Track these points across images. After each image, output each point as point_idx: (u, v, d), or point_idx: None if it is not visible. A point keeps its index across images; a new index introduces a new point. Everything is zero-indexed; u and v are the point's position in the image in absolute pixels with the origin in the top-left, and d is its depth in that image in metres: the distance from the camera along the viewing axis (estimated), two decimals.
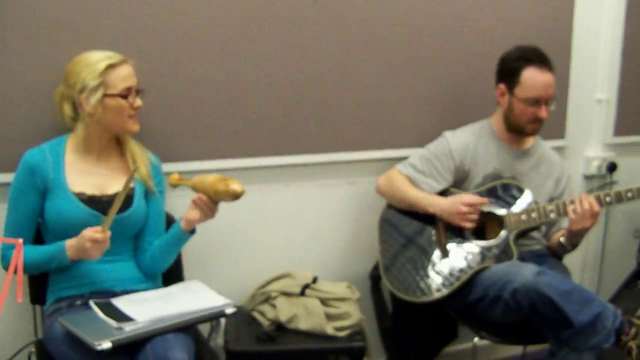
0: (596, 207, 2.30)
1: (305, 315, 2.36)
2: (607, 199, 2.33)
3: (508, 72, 2.49)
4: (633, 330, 2.17)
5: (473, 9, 2.81)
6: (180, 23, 2.36)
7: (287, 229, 2.70)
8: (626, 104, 3.26)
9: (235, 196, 1.97)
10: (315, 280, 2.50)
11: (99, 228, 1.87)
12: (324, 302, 2.41)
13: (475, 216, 2.41)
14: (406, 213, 2.56)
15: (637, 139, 3.37)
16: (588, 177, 3.27)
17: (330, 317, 2.37)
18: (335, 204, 2.77)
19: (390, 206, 2.61)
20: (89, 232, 1.87)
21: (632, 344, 2.15)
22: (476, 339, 2.49)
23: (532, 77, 2.43)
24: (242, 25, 2.45)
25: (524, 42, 2.59)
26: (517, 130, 2.52)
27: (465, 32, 2.81)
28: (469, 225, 2.41)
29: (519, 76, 2.44)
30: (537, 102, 2.43)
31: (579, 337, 2.13)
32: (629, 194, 2.32)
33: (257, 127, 2.54)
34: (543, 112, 2.44)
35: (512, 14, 2.88)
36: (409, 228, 2.54)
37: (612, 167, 3.25)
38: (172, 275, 2.28)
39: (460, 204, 2.39)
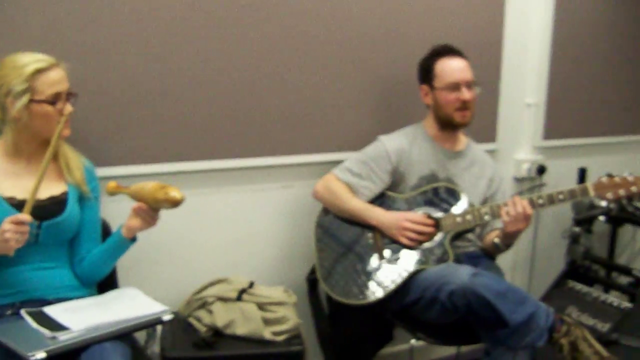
0: (529, 209, 2.43)
1: (243, 321, 2.41)
2: (540, 201, 2.47)
3: (424, 71, 2.68)
4: (564, 328, 2.30)
5: (407, 15, 2.92)
6: (111, 25, 2.38)
7: (222, 233, 2.74)
8: (554, 109, 3.45)
9: (175, 204, 2.00)
10: (251, 285, 2.56)
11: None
12: (261, 306, 2.47)
13: (414, 235, 2.51)
14: (341, 219, 2.64)
15: (565, 143, 3.56)
16: (518, 180, 3.44)
17: (267, 322, 2.43)
18: (270, 208, 2.83)
19: (326, 209, 2.68)
20: (9, 218, 1.85)
21: (564, 341, 2.28)
22: (413, 341, 2.59)
23: (445, 65, 2.62)
24: (174, 27, 2.48)
25: (461, 49, 2.73)
26: (448, 124, 2.66)
27: (398, 38, 2.92)
28: (407, 242, 2.52)
29: (433, 69, 2.63)
30: (456, 86, 2.60)
31: (514, 336, 2.25)
32: (560, 196, 2.47)
33: (192, 130, 2.58)
34: (465, 94, 2.60)
35: (445, 21, 3.02)
36: (346, 231, 2.61)
37: (541, 170, 3.43)
38: (106, 282, 2.29)
39: (403, 220, 2.51)
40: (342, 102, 2.86)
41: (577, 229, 3.40)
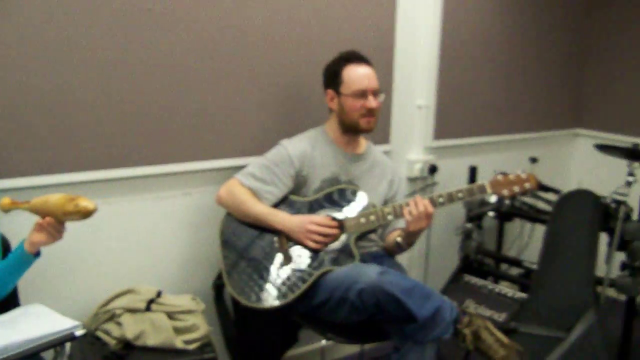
0: (430, 208, 2.55)
1: (153, 331, 2.41)
2: (440, 200, 2.59)
3: (331, 76, 2.74)
4: (466, 319, 2.44)
5: (305, 21, 3.00)
6: (8, 27, 2.33)
7: (125, 243, 2.73)
8: (443, 110, 3.63)
9: (87, 214, 1.98)
10: (159, 294, 2.56)
11: None
12: (170, 316, 2.47)
13: (320, 238, 2.58)
14: (246, 225, 2.68)
15: (454, 142, 3.76)
16: (412, 179, 3.59)
17: (178, 331, 2.44)
18: (172, 216, 2.83)
19: (230, 214, 2.70)
20: None
21: (467, 331, 2.42)
22: (323, 341, 2.67)
23: (353, 72, 2.69)
24: (72, 32, 2.45)
25: None
26: (353, 129, 2.75)
27: (297, 44, 3.00)
28: (313, 245, 2.58)
29: (341, 76, 2.70)
30: (363, 94, 2.67)
31: (422, 330, 2.36)
32: (460, 194, 2.60)
33: (89, 139, 2.55)
34: (372, 102, 2.69)
35: (339, 26, 3.12)
36: (251, 235, 2.65)
37: (433, 169, 3.60)
38: (7, 300, 2.22)
39: (309, 223, 2.57)
40: (241, 107, 2.90)
41: (469, 225, 3.59)
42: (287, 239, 2.61)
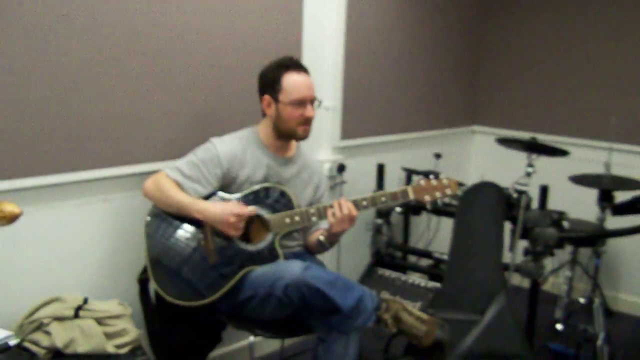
0: (354, 211, 2.67)
1: (83, 338, 2.44)
2: (364, 203, 2.71)
3: (269, 82, 2.76)
4: (384, 305, 2.59)
5: (213, 26, 3.06)
6: None
7: (47, 252, 2.72)
8: (350, 111, 3.80)
9: (13, 219, 1.98)
10: (86, 301, 2.59)
11: None
12: (99, 321, 2.51)
13: (242, 225, 2.64)
14: (172, 218, 2.70)
15: (361, 142, 3.94)
16: None
17: (108, 336, 2.48)
18: (93, 223, 2.84)
19: (155, 213, 2.72)
20: None
21: (387, 316, 2.58)
22: (251, 337, 2.76)
23: (293, 81, 2.73)
24: None
25: (261, 56, 2.93)
26: (289, 136, 2.81)
27: (208, 47, 3.06)
28: (235, 234, 2.64)
29: (280, 83, 2.73)
30: (302, 103, 2.73)
31: (347, 320, 2.49)
32: (383, 198, 2.72)
33: (3, 147, 2.52)
34: (310, 112, 2.76)
35: (248, 32, 3.21)
36: (176, 233, 2.67)
37: (341, 168, 3.75)
38: None
39: (230, 214, 2.60)
40: (157, 112, 2.93)
41: (379, 221, 3.78)
42: (212, 235, 2.65)
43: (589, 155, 4.11)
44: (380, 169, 3.86)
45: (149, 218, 2.71)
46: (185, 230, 2.68)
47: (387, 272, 3.53)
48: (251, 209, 2.66)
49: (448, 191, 2.77)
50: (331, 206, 2.68)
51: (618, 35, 4.43)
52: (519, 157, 3.52)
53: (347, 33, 3.68)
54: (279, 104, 2.75)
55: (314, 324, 2.60)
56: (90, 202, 2.82)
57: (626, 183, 3.61)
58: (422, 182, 2.76)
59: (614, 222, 3.65)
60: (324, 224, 2.85)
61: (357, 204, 2.70)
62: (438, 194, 2.75)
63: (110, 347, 2.46)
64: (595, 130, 4.40)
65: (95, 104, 2.73)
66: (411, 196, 2.74)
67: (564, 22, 4.62)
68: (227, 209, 2.62)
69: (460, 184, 3.62)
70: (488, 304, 2.93)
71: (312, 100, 2.78)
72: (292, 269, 2.52)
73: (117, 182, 2.88)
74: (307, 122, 2.78)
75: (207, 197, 2.72)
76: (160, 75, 2.92)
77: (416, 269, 3.88)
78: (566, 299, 4.05)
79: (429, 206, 2.76)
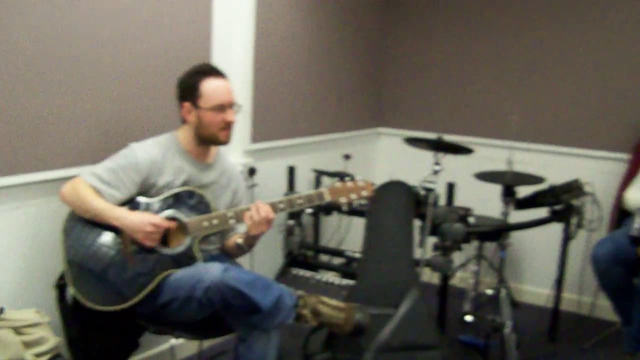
0: (271, 214, 2.76)
1: (1, 348, 2.45)
2: (281, 205, 2.79)
3: (188, 89, 2.81)
4: (301, 301, 2.69)
5: (124, 32, 3.09)
6: None
7: None
8: (260, 114, 3.90)
9: None
10: (1, 310, 2.58)
11: None
12: (17, 330, 2.50)
13: (157, 237, 2.68)
14: (93, 224, 2.71)
15: (271, 145, 4.05)
16: None
17: (27, 345, 2.48)
18: (5, 232, 2.81)
19: (74, 219, 2.72)
20: None
21: (305, 311, 2.67)
22: (173, 340, 2.82)
23: (212, 86, 2.79)
24: None
25: (172, 60, 2.99)
26: (211, 141, 2.87)
27: (120, 53, 3.09)
28: (150, 244, 2.67)
29: (200, 89, 2.78)
30: (222, 108, 2.80)
31: (267, 319, 2.59)
32: (299, 201, 2.80)
33: None
34: (231, 117, 2.83)
35: (158, 37, 3.25)
36: (96, 238, 2.69)
37: (252, 171, 3.83)
38: None
39: (147, 224, 2.64)
40: (69, 117, 2.93)
41: (291, 222, 3.90)
42: (130, 240, 2.68)
43: (492, 154, 4.35)
44: (291, 171, 3.97)
45: (67, 224, 2.71)
46: (106, 236, 2.70)
47: (301, 272, 3.65)
48: (169, 223, 2.70)
49: (364, 193, 2.86)
50: (249, 209, 2.75)
51: (517, 37, 4.72)
52: (426, 156, 3.71)
53: (256, 38, 3.77)
54: (200, 110, 2.80)
55: (235, 324, 2.68)
56: (2, 211, 2.80)
57: (527, 179, 3.85)
58: (338, 184, 2.84)
59: (517, 216, 3.89)
60: (241, 228, 2.92)
61: (274, 206, 2.77)
62: (354, 196, 2.84)
63: (29, 356, 2.46)
64: (498, 130, 4.67)
65: (3, 109, 2.71)
66: (327, 198, 2.82)
67: (466, 25, 4.89)
68: (144, 218, 2.66)
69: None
70: (401, 298, 3.08)
71: (232, 105, 2.85)
72: (211, 271, 2.58)
73: (29, 189, 2.85)
74: (228, 127, 2.84)
75: (126, 203, 2.76)
76: (72, 80, 2.92)
77: (329, 267, 4.02)
78: (474, 292, 4.27)
79: (344, 208, 2.87)
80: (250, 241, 2.91)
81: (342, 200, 2.84)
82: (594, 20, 4.49)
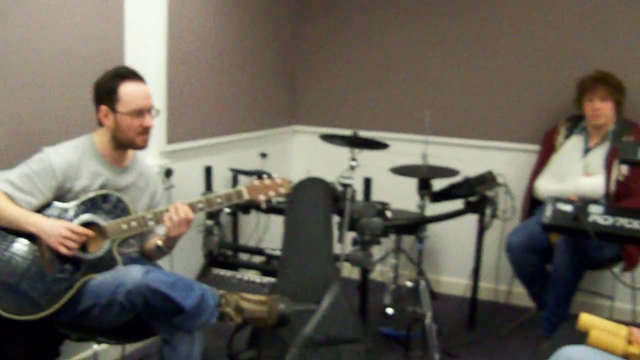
0: (191, 214, 2.79)
1: None
2: (200, 205, 2.82)
3: (106, 92, 2.79)
4: (223, 300, 2.73)
5: (34, 34, 3.05)
6: None
7: None
8: (175, 115, 3.91)
9: None
10: None
11: None
12: None
13: (74, 245, 2.65)
14: (6, 232, 2.67)
15: (188, 145, 4.06)
16: None
17: None
18: None
19: None
20: None
21: (228, 309, 2.72)
22: (95, 346, 2.81)
23: (130, 90, 2.79)
24: None
25: (84, 62, 3.00)
26: (128, 145, 2.87)
27: (29, 56, 3.04)
28: (65, 251, 2.63)
29: (117, 93, 2.77)
30: (140, 112, 2.80)
31: (190, 319, 2.62)
32: (218, 200, 2.84)
33: None
34: (149, 121, 2.84)
35: (70, 39, 3.22)
36: (11, 246, 2.65)
37: (168, 173, 3.84)
38: None
39: (63, 228, 2.62)
40: None
41: (209, 222, 3.93)
42: (47, 247, 2.65)
43: (407, 149, 4.47)
44: (208, 171, 4.00)
45: None
46: (21, 243, 2.67)
47: (222, 272, 3.70)
48: (86, 231, 2.68)
49: (282, 190, 2.92)
50: (167, 210, 2.77)
51: (429, 33, 4.88)
52: (342, 153, 3.80)
53: (169, 37, 3.78)
54: (117, 114, 2.79)
55: (158, 327, 2.69)
56: None
57: (442, 171, 3.99)
58: (256, 182, 2.89)
59: (433, 209, 4.02)
60: (160, 229, 2.94)
61: (193, 206, 2.80)
62: (272, 193, 2.90)
63: None
64: (412, 125, 4.80)
65: None
66: (246, 196, 2.87)
67: (378, 21, 5.00)
68: (59, 223, 2.65)
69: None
70: (323, 293, 3.15)
71: (150, 110, 2.87)
72: (132, 274, 2.59)
73: None
74: (146, 131, 2.85)
75: (42, 208, 2.73)
76: None
77: (249, 266, 4.07)
78: (393, 284, 4.39)
79: (263, 205, 2.92)
80: (170, 242, 2.92)
81: (261, 198, 2.89)
82: (504, 16, 4.68)
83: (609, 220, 3.23)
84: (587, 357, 2.16)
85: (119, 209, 2.81)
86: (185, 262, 3.98)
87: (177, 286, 2.60)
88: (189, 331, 2.65)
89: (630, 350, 2.13)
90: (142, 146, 2.89)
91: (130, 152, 2.98)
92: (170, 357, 2.66)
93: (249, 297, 2.77)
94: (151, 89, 3.46)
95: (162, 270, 2.84)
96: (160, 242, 2.92)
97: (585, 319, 2.23)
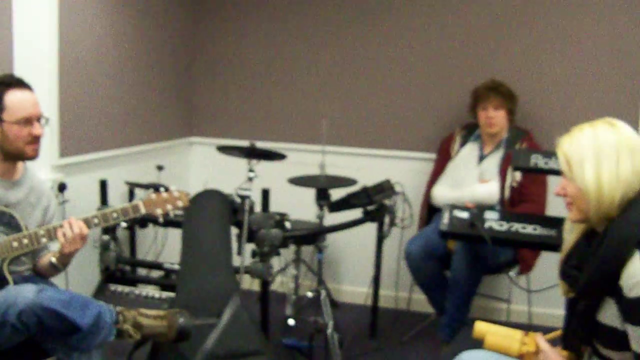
0: (85, 230, 2.77)
1: None
2: (95, 220, 2.80)
3: None
4: (121, 317, 2.71)
5: None
6: None
7: None
8: (68, 128, 3.86)
9: None
10: None
11: None
12: None
13: None
14: None
15: (82, 159, 4.01)
16: None
17: None
18: None
19: None
20: None
21: (126, 326, 2.69)
22: None
23: (17, 99, 2.74)
24: None
25: None
26: (17, 157, 2.82)
27: None
28: None
29: (3, 102, 2.72)
30: (28, 121, 2.76)
31: (87, 338, 2.58)
32: (114, 214, 2.82)
33: None
34: (38, 130, 2.80)
35: None
36: None
37: (62, 187, 3.78)
38: None
39: None
40: None
41: (106, 237, 3.90)
42: None
43: (305, 159, 4.54)
44: (103, 185, 3.97)
45: None
46: None
47: (120, 288, 3.68)
48: None
49: (179, 203, 2.94)
50: (61, 226, 2.75)
51: (325, 43, 4.98)
52: (240, 164, 3.84)
53: (61, 49, 3.73)
54: (4, 123, 2.75)
55: (54, 347, 2.63)
56: None
57: (339, 181, 4.09)
58: (153, 195, 2.90)
59: (332, 219, 4.11)
60: (54, 246, 2.90)
61: (88, 222, 2.78)
62: (169, 207, 2.92)
63: None
64: (310, 135, 4.88)
65: None
66: (143, 210, 2.87)
67: (276, 32, 5.07)
68: None
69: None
70: (223, 306, 3.18)
71: (39, 118, 2.82)
72: (24, 293, 2.53)
73: None
74: (35, 140, 2.81)
75: None
76: None
77: (148, 281, 4.06)
78: (294, 295, 4.45)
79: (160, 219, 2.93)
80: (65, 259, 2.88)
81: (158, 211, 2.90)
82: (400, 27, 4.82)
83: (504, 226, 3.38)
84: None
85: (10, 226, 2.77)
86: (81, 278, 3.93)
87: (72, 304, 2.55)
88: (86, 350, 2.62)
89: (525, 350, 2.25)
90: (32, 156, 2.84)
91: (20, 165, 2.93)
92: None
93: (148, 313, 2.76)
94: (42, 100, 3.41)
95: (57, 288, 2.81)
96: (54, 259, 2.88)
97: (480, 327, 2.34)
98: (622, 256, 1.96)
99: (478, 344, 2.35)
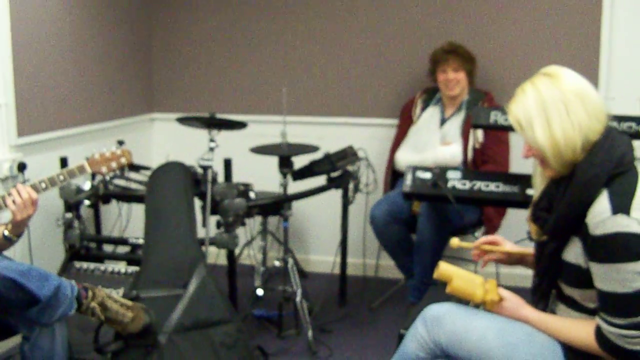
0: (34, 194, 2.75)
1: None
2: (43, 185, 2.82)
3: None
4: (90, 293, 2.70)
5: None
6: None
7: None
8: (25, 107, 3.80)
9: None
10: None
11: None
12: None
13: None
14: None
15: (41, 137, 3.96)
16: (2, 180, 3.69)
17: None
18: None
19: None
20: None
21: (94, 304, 2.69)
22: None
23: None
24: None
25: None
26: None
27: None
28: None
29: None
30: None
31: (47, 310, 2.54)
32: (61, 177, 2.87)
33: None
34: None
35: None
36: None
37: (22, 167, 3.72)
38: None
39: None
40: None
41: (69, 215, 3.84)
42: None
43: (267, 130, 4.48)
44: (64, 163, 3.90)
45: None
46: None
47: (85, 265, 3.63)
48: None
49: (123, 160, 3.06)
50: (10, 194, 2.73)
51: (282, 11, 4.92)
52: (202, 137, 3.79)
53: (13, 27, 3.66)
54: None
55: (15, 322, 2.61)
56: None
57: (302, 148, 4.05)
58: (97, 155, 3.01)
59: (296, 187, 4.08)
60: (4, 217, 2.87)
61: (35, 187, 2.79)
62: (114, 164, 3.05)
63: None
64: (270, 105, 4.86)
65: None
66: (88, 170, 2.98)
67: (232, 4, 5.01)
68: None
69: (146, 168, 3.83)
70: (189, 277, 3.17)
71: None
72: None
73: None
74: None
75: None
76: None
77: (114, 257, 4.02)
78: (263, 266, 4.43)
79: (107, 177, 3.07)
80: (17, 229, 2.82)
81: (103, 170, 3.01)
82: None
83: (467, 185, 3.40)
84: (451, 311, 2.27)
85: None
86: (46, 258, 3.89)
87: (30, 274, 2.51)
88: (47, 324, 2.59)
89: (489, 297, 2.25)
90: None
91: None
92: (33, 353, 2.60)
93: (117, 299, 2.78)
94: None
95: (13, 260, 2.75)
96: (6, 232, 2.81)
97: (445, 268, 2.32)
98: (589, 196, 1.99)
99: (444, 301, 2.35)
